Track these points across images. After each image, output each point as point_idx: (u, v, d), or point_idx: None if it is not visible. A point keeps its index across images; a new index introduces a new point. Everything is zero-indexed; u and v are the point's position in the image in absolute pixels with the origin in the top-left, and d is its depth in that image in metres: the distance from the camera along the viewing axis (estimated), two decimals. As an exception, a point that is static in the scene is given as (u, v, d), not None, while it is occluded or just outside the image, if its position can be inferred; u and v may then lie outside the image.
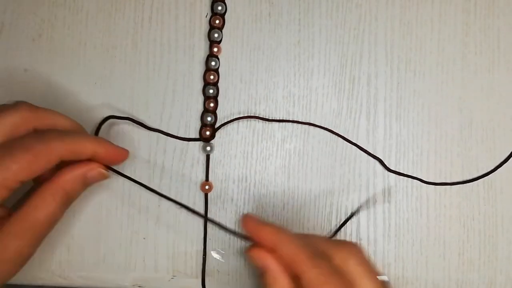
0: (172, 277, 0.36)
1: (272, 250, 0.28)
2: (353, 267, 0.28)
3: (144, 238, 0.36)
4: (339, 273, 0.28)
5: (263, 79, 0.37)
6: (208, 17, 0.37)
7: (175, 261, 0.36)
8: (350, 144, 0.36)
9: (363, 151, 0.35)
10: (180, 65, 0.37)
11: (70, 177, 0.30)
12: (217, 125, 0.36)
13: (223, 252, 0.36)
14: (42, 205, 0.29)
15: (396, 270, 0.36)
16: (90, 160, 0.31)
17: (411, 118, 0.37)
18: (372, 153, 0.36)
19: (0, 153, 0.27)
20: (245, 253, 0.34)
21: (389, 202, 0.36)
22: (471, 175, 0.37)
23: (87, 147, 0.30)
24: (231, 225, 0.36)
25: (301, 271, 0.27)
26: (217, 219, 0.36)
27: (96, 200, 0.36)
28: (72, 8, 0.37)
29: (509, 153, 0.37)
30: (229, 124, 0.37)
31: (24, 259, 0.29)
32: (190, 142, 0.36)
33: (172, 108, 0.37)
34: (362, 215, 0.36)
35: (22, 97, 0.36)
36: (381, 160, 0.36)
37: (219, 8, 0.37)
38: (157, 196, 0.36)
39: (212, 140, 0.36)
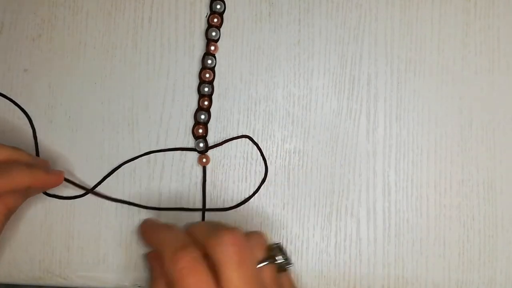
0: (172, 277, 0.35)
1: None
2: (219, 255, 0.28)
3: (144, 238, 0.36)
4: (202, 264, 0.28)
5: (263, 79, 0.37)
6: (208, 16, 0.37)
7: (175, 261, 0.36)
8: (350, 144, 0.37)
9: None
10: (180, 65, 0.37)
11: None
12: (209, 123, 0.36)
13: (223, 252, 0.36)
14: None
15: (396, 270, 0.36)
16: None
17: (411, 118, 0.37)
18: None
19: None
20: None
21: (389, 202, 0.36)
22: (471, 175, 0.37)
23: (24, 182, 0.31)
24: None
25: (166, 267, 0.28)
26: (216, 219, 0.36)
27: (95, 200, 0.36)
28: (72, 8, 0.37)
29: (509, 152, 0.37)
30: (229, 124, 0.37)
31: None
32: (189, 142, 0.36)
33: (172, 108, 0.37)
34: (362, 215, 0.36)
35: (22, 97, 0.36)
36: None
37: (218, 6, 0.37)
38: (157, 196, 0.36)
39: (212, 140, 0.36)
